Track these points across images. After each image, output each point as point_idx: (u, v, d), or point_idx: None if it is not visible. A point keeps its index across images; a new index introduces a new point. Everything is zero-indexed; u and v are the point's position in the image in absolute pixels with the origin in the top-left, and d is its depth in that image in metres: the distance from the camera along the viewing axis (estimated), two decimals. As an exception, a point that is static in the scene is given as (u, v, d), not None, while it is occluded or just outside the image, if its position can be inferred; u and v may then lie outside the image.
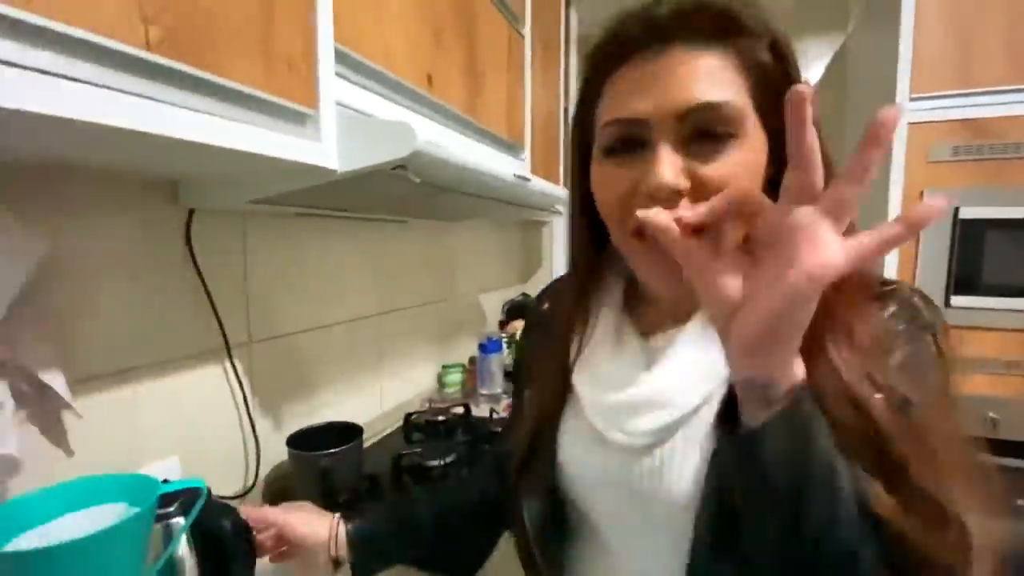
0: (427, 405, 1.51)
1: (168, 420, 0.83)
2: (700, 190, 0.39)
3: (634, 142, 0.41)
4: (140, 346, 0.79)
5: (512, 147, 1.35)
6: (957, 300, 1.35)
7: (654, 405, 0.45)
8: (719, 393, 0.38)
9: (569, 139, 0.52)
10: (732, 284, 0.32)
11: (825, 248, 0.28)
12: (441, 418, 1.35)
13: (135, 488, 0.43)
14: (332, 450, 0.91)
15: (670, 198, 0.39)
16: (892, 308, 0.42)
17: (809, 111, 0.28)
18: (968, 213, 1.32)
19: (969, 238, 1.32)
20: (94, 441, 0.72)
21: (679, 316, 0.47)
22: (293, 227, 1.07)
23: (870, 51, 1.63)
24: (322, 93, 0.66)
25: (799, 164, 0.29)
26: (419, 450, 1.12)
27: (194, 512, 0.47)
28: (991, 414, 1.34)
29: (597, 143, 0.45)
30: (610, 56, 0.43)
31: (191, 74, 0.49)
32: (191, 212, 0.85)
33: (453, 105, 0.99)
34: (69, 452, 0.70)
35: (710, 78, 0.39)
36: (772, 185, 0.40)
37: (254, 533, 0.57)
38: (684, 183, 0.39)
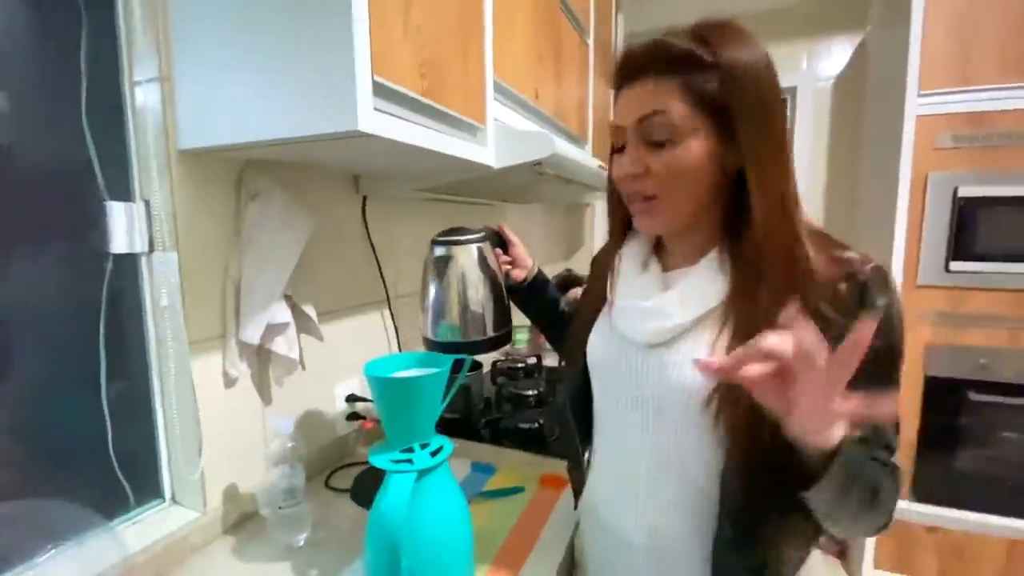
0: (504, 356, 1.81)
1: (351, 348, 1.14)
2: (649, 174, 0.55)
3: (622, 144, 0.58)
4: (338, 294, 1.10)
5: (578, 139, 1.62)
6: (955, 265, 1.60)
7: (660, 315, 0.58)
8: (708, 317, 0.55)
9: None
10: (774, 401, 0.42)
11: (837, 404, 0.40)
12: (520, 365, 1.65)
13: (431, 360, 0.73)
14: (470, 372, 1.21)
15: (631, 179, 0.57)
16: (843, 288, 0.51)
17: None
18: (965, 192, 1.56)
19: (966, 213, 1.57)
20: (312, 356, 1.02)
21: (689, 260, 0.60)
22: (417, 208, 1.36)
23: (886, 48, 1.85)
24: (488, 112, 0.94)
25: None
26: (513, 383, 1.43)
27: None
28: (982, 360, 1.60)
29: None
30: (617, 84, 0.59)
31: (438, 108, 0.78)
32: (365, 198, 1.15)
33: (548, 110, 1.27)
34: (303, 366, 1.01)
35: (657, 97, 0.53)
36: (736, 181, 0.54)
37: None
38: (636, 169, 0.56)
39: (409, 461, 0.64)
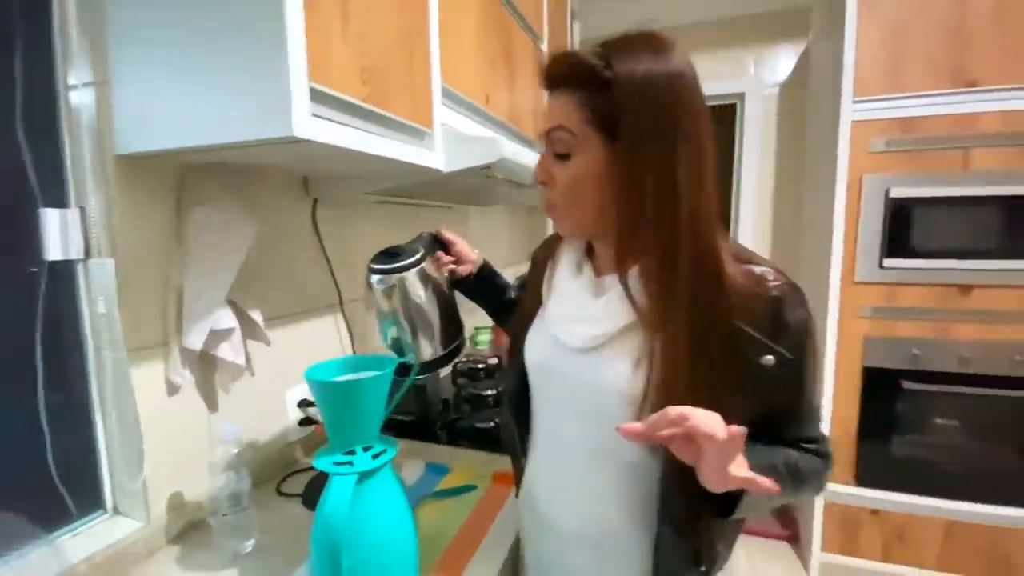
0: (465, 358, 1.82)
1: (304, 353, 1.14)
2: (554, 183, 0.59)
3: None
4: (287, 298, 1.09)
5: (533, 143, 1.65)
6: (889, 262, 1.70)
7: (591, 322, 0.60)
8: (635, 325, 0.56)
9: None
10: (687, 456, 0.47)
11: (726, 474, 0.45)
12: (480, 365, 1.67)
13: (377, 363, 0.74)
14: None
15: (543, 185, 0.60)
16: (756, 304, 0.53)
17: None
18: (897, 193, 1.66)
19: (898, 213, 1.67)
20: (263, 362, 1.02)
21: (620, 267, 0.58)
22: (371, 211, 1.37)
23: (825, 56, 1.95)
24: (435, 117, 0.95)
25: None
26: (473, 383, 1.45)
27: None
28: (914, 350, 1.71)
29: None
30: (544, 89, 0.61)
31: (382, 113, 0.79)
32: (315, 201, 1.15)
33: (501, 116, 1.29)
34: (252, 372, 1.00)
35: (562, 111, 0.56)
36: (627, 191, 0.54)
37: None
38: (544, 178, 0.59)
39: (350, 463, 0.65)
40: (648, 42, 0.54)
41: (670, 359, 0.53)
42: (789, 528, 2.14)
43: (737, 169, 2.42)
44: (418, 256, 0.81)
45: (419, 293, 0.81)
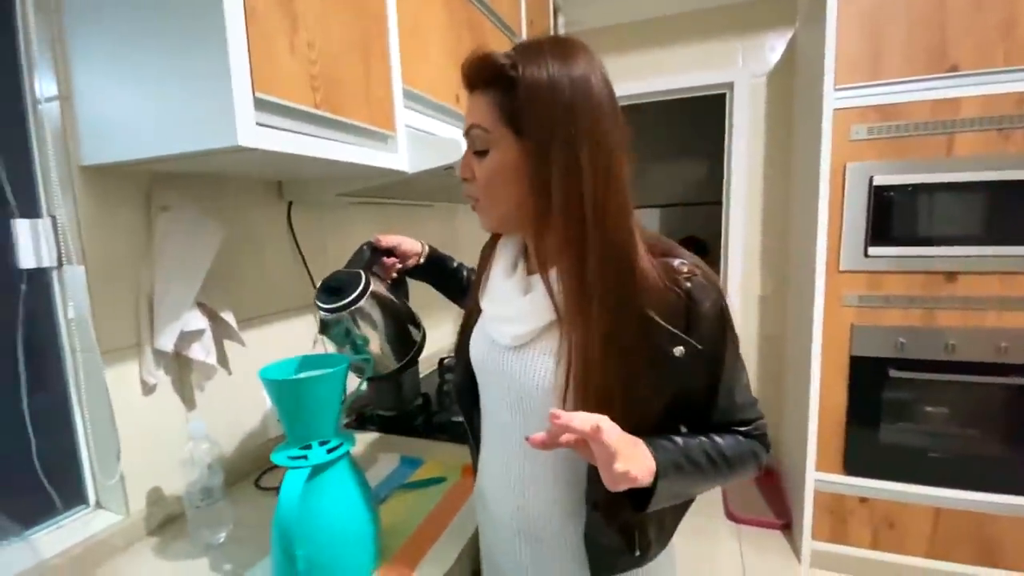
0: (453, 354, 1.85)
1: (281, 352, 1.17)
2: (475, 179, 0.61)
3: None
4: (264, 300, 1.13)
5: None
6: (873, 251, 1.69)
7: (517, 321, 0.62)
8: (556, 322, 0.59)
9: None
10: (589, 455, 0.51)
11: (615, 469, 0.48)
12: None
13: (332, 361, 0.77)
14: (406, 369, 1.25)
15: (466, 181, 0.62)
16: (671, 296, 0.56)
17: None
18: (880, 180, 1.65)
19: (880, 201, 1.66)
20: (241, 361, 1.05)
21: (541, 266, 0.60)
22: (351, 212, 1.39)
23: (809, 45, 1.93)
24: (397, 120, 0.98)
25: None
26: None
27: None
28: (900, 339, 1.70)
29: None
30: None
31: (335, 119, 0.81)
32: (290, 204, 1.18)
33: (473, 114, 1.31)
34: (229, 371, 1.04)
35: (474, 110, 0.59)
36: (536, 187, 0.56)
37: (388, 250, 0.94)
38: (466, 174, 0.62)
39: (304, 457, 0.68)
40: (557, 46, 0.56)
41: (585, 353, 0.55)
42: (782, 517, 2.15)
43: (727, 159, 2.41)
44: (360, 288, 0.81)
45: (369, 319, 0.84)
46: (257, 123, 0.66)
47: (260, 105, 0.67)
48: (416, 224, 1.73)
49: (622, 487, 0.50)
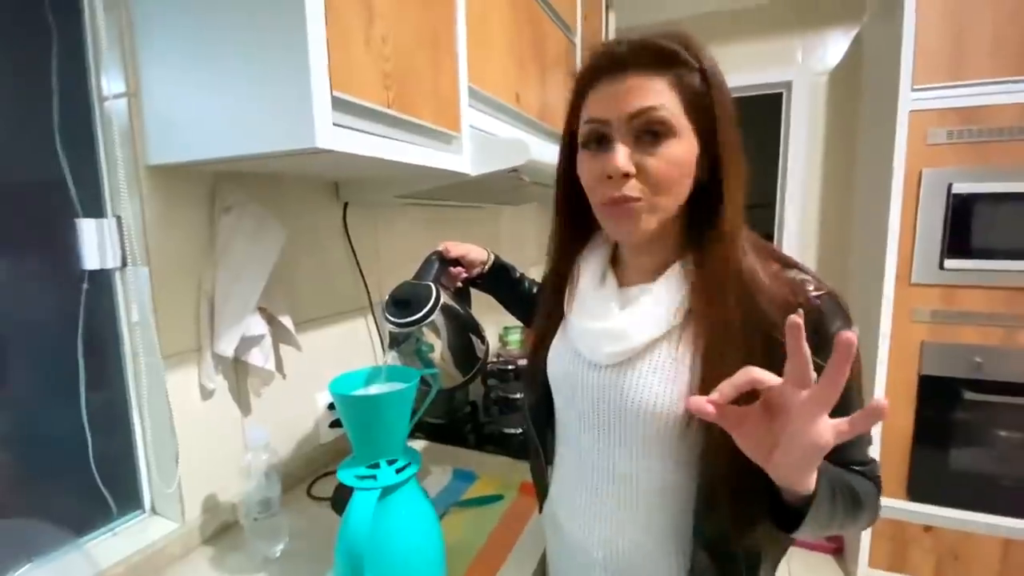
0: (495, 358, 1.81)
1: (334, 355, 1.14)
2: (644, 174, 0.52)
3: (602, 138, 0.54)
4: (318, 302, 1.10)
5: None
6: (950, 263, 1.58)
7: (618, 336, 0.57)
8: (668, 336, 0.55)
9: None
10: (757, 442, 0.42)
11: (824, 430, 0.39)
12: (511, 367, 1.65)
13: (402, 374, 0.73)
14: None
15: (623, 178, 0.52)
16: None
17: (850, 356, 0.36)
18: (960, 188, 1.54)
19: (960, 210, 1.55)
20: (293, 365, 1.03)
21: (648, 276, 0.58)
22: (402, 213, 1.36)
23: (880, 42, 1.82)
24: (463, 120, 0.93)
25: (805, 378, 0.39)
26: (503, 385, 1.43)
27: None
28: (977, 359, 1.59)
29: (580, 137, 0.57)
30: (590, 78, 0.56)
31: (406, 119, 0.77)
32: (346, 205, 1.15)
33: (531, 114, 1.26)
34: (283, 375, 1.01)
35: (651, 92, 0.51)
36: (702, 189, 0.54)
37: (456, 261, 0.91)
38: (631, 168, 0.52)
39: (373, 477, 0.64)
40: (699, 41, 0.53)
41: (714, 367, 0.50)
42: (834, 541, 2.05)
43: (782, 162, 2.30)
44: (432, 301, 0.77)
45: (437, 331, 0.81)
46: (334, 123, 0.63)
47: (337, 105, 0.63)
48: (464, 225, 1.69)
49: (815, 464, 0.42)
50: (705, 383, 0.51)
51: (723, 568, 0.56)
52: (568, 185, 0.62)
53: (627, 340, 0.56)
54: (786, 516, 0.46)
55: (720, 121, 0.52)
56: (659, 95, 0.51)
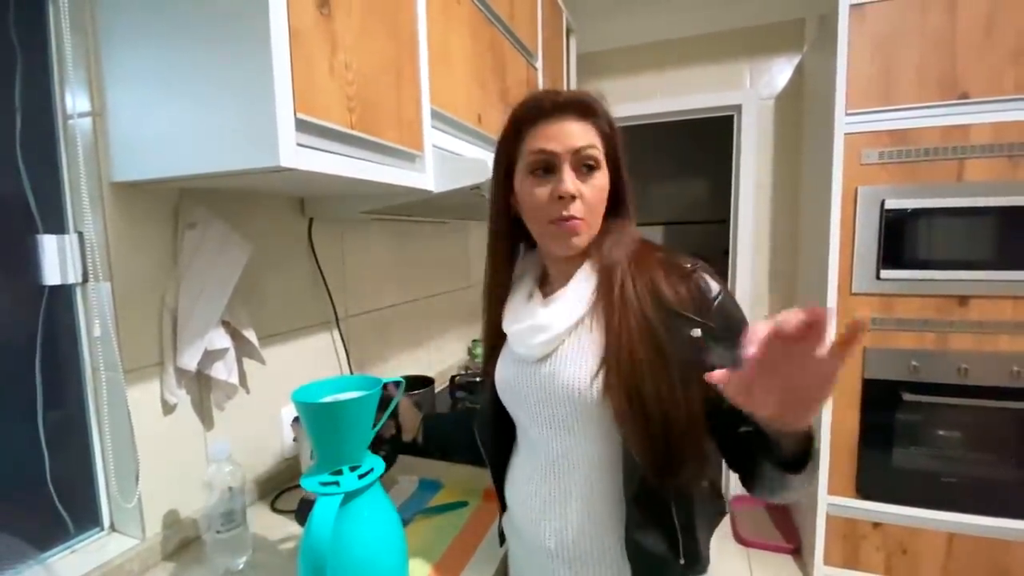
0: (463, 371, 1.83)
1: (300, 370, 1.15)
2: (582, 199, 0.64)
3: (547, 167, 0.65)
4: (284, 317, 1.11)
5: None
6: (885, 274, 1.70)
7: (543, 328, 0.66)
8: (584, 320, 0.66)
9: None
10: (766, 399, 0.46)
11: (831, 381, 0.44)
12: (478, 379, 1.68)
13: (365, 383, 0.75)
14: (420, 391, 1.24)
15: (571, 200, 0.63)
16: (682, 288, 0.62)
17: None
18: (892, 204, 1.66)
19: (893, 224, 1.67)
20: (258, 379, 1.04)
21: (564, 282, 0.69)
22: (368, 228, 1.39)
23: (819, 69, 1.96)
24: (425, 140, 0.98)
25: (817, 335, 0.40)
26: (469, 397, 1.46)
27: (401, 391, 0.81)
28: (913, 363, 1.70)
29: (522, 165, 0.67)
30: (530, 118, 0.66)
31: (369, 139, 0.81)
32: (311, 220, 1.17)
33: (493, 133, 1.31)
34: (247, 390, 1.02)
35: (587, 134, 0.65)
36: (610, 207, 0.68)
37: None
38: (576, 191, 0.64)
39: (336, 483, 0.66)
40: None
41: (624, 345, 0.60)
42: (792, 541, 2.13)
43: (735, 181, 2.42)
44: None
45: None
46: (297, 143, 0.66)
47: (301, 126, 0.67)
48: (430, 239, 1.72)
49: (818, 406, 0.47)
50: (608, 349, 0.61)
51: (657, 531, 0.61)
52: (507, 208, 0.73)
53: (551, 330, 0.66)
54: (787, 464, 0.54)
55: (620, 158, 0.68)
56: (592, 137, 0.65)
